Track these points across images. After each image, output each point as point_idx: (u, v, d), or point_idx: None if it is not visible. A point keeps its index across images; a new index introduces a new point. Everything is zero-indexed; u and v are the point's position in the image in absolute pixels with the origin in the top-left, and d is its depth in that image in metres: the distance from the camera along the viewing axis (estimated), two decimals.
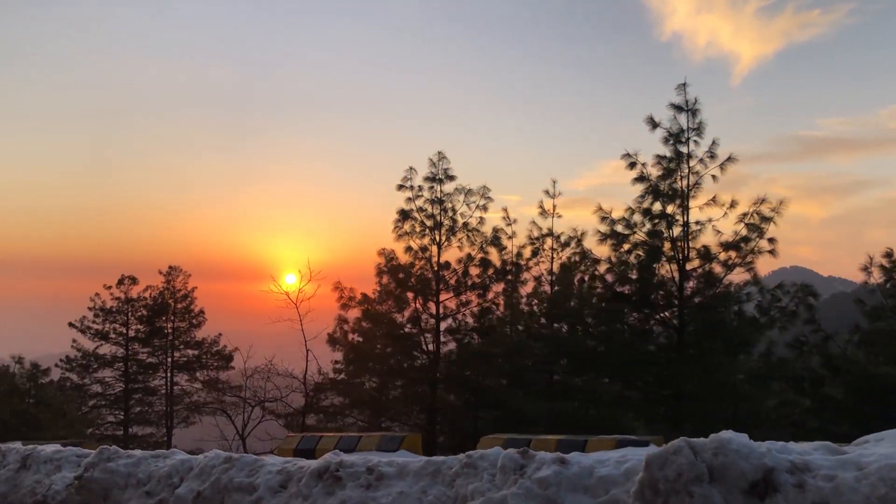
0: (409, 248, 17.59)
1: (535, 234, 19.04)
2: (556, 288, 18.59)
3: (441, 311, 17.54)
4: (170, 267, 35.44)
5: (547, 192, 20.06)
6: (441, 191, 18.00)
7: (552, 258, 18.94)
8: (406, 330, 18.29)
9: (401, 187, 17.77)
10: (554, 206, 19.86)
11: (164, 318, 35.02)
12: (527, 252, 18.72)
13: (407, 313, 17.87)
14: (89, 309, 35.32)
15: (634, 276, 13.65)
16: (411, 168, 18.46)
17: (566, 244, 18.89)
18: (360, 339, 20.82)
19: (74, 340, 35.28)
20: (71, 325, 35.03)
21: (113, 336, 35.38)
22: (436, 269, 17.21)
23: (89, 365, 35.15)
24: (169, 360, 35.02)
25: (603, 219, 14.06)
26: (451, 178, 17.98)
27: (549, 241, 18.91)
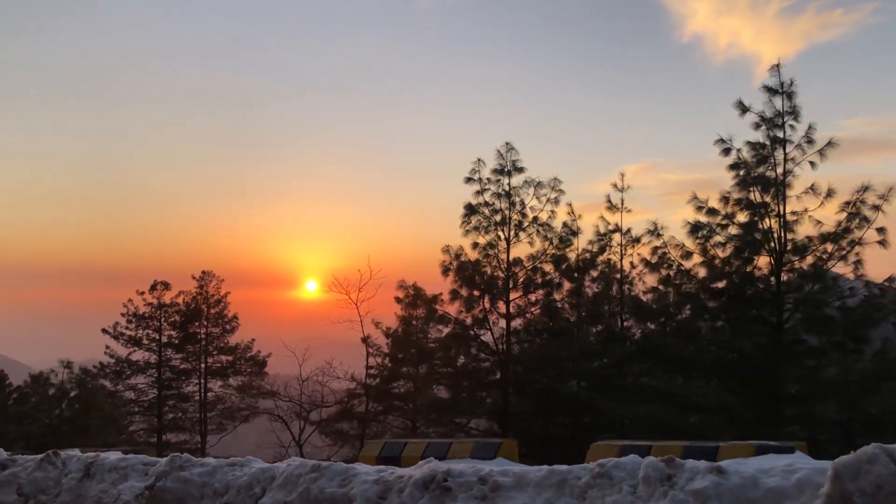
0: (475, 245, 16.93)
1: (603, 229, 18.16)
2: (627, 285, 17.79)
3: (511, 310, 16.81)
4: (203, 272, 35.25)
5: (615, 186, 18.98)
6: (509, 184, 17.33)
7: (621, 254, 18.10)
8: (473, 331, 17.39)
9: (469, 180, 17.12)
10: (622, 201, 18.65)
11: (197, 324, 34.81)
12: (593, 248, 17.80)
13: (475, 313, 17.12)
14: (122, 315, 35.20)
15: (729, 270, 12.87)
16: (479, 160, 17.66)
17: (636, 240, 18.05)
18: (425, 340, 20.02)
19: (108, 347, 35.17)
20: (104, 331, 34.92)
21: (146, 342, 35.21)
22: (505, 266, 16.50)
23: (122, 371, 35.00)
24: (202, 365, 34.76)
25: (699, 208, 13.34)
26: (520, 170, 17.39)
27: (616, 236, 18.05)
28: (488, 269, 16.53)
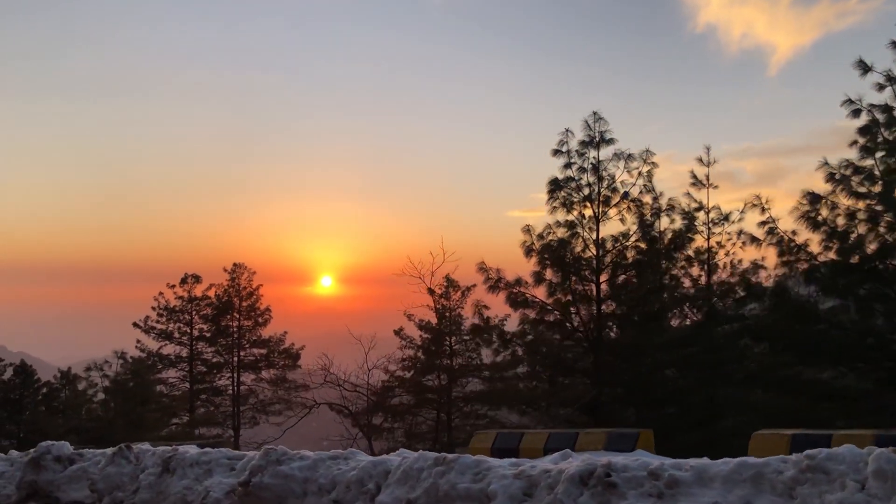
0: (558, 223, 15.94)
1: (687, 207, 17.05)
2: (715, 262, 16.75)
3: (601, 292, 15.79)
4: (234, 264, 34.71)
5: (700, 161, 17.73)
6: (597, 157, 16.14)
7: (708, 233, 17.08)
8: (559, 315, 16.08)
9: (556, 152, 16.14)
10: (707, 177, 17.58)
11: (229, 317, 34.31)
12: (676, 225, 16.70)
13: (561, 296, 16.00)
14: (153, 308, 34.79)
15: (860, 243, 11.89)
16: (567, 130, 16.43)
17: (726, 217, 16.95)
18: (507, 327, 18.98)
19: (138, 341, 34.79)
20: (135, 325, 34.52)
21: (177, 336, 34.78)
22: (594, 245, 15.54)
23: (154, 365, 34.57)
24: (235, 359, 34.26)
25: (830, 176, 12.41)
26: (609, 141, 16.16)
27: (701, 214, 16.91)
28: (575, 249, 15.52)
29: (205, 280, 34.76)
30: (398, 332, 35.22)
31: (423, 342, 34.77)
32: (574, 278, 15.04)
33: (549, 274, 15.25)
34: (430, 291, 35.80)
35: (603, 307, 14.99)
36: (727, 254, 16.90)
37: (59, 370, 42.07)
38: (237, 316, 34.46)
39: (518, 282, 15.74)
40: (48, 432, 40.40)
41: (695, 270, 16.55)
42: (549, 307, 15.45)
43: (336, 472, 6.44)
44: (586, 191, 15.28)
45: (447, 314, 35.19)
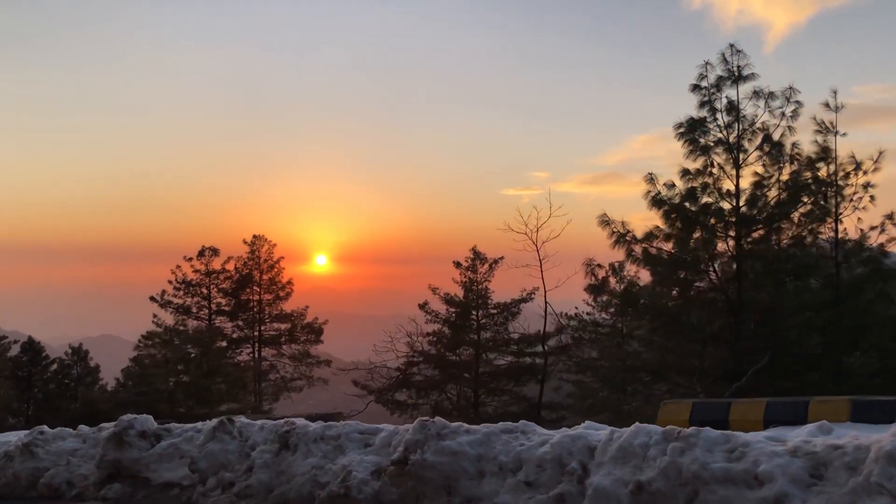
0: (686, 172, 14.46)
1: (813, 154, 15.37)
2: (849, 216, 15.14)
3: (740, 248, 14.33)
4: (254, 236, 33.46)
5: (826, 105, 15.84)
6: (736, 95, 14.61)
7: (835, 183, 15.26)
8: (690, 274, 14.32)
9: (695, 88, 14.69)
10: (833, 123, 15.55)
11: (249, 290, 33.14)
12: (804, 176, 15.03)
13: (692, 252, 14.45)
14: (169, 282, 33.57)
15: None
16: (707, 63, 14.94)
17: (857, 166, 15.26)
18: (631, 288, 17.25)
19: (155, 315, 33.62)
20: (152, 298, 33.32)
21: (195, 310, 33.64)
22: (731, 195, 14.11)
23: (171, 341, 33.46)
24: (255, 333, 33.11)
25: None
26: (748, 77, 14.44)
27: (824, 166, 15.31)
28: (710, 199, 14.14)
29: (224, 253, 33.60)
30: (423, 307, 34.22)
31: (448, 316, 33.84)
32: (708, 232, 13.68)
33: (674, 228, 13.86)
34: (457, 264, 34.82)
35: (741, 265, 13.66)
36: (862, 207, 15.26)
37: (70, 346, 41.04)
38: (258, 290, 33.30)
39: (650, 235, 14.23)
40: (60, 409, 39.41)
41: (840, 226, 15.00)
42: (680, 262, 13.98)
43: (519, 449, 5.37)
44: (723, 134, 13.92)
45: (474, 287, 34.23)
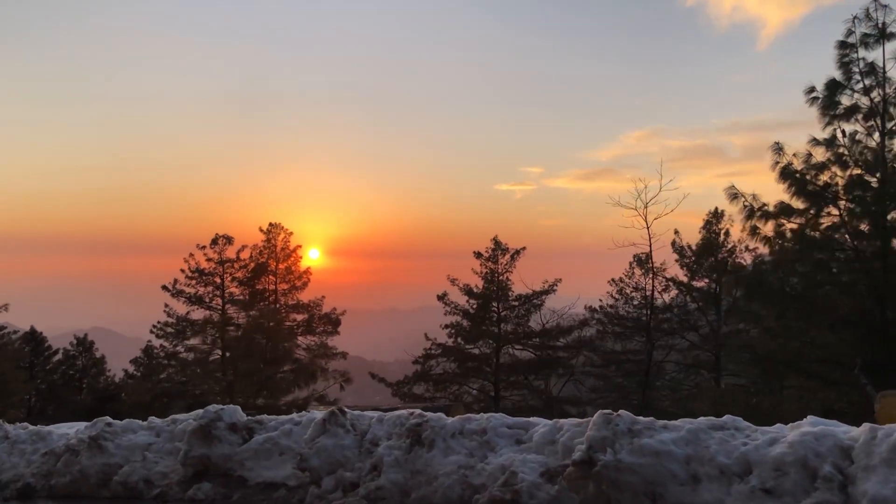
0: (823, 140, 13.38)
1: None
2: None
3: (887, 225, 13.20)
4: (270, 224, 32.45)
5: None
6: (883, 55, 13.45)
7: None
8: (826, 255, 13.05)
9: (842, 45, 13.59)
10: None
11: (264, 279, 32.13)
12: None
13: (827, 229, 13.27)
14: (181, 271, 32.54)
15: None
16: (855, 17, 13.81)
17: None
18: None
19: (166, 305, 32.60)
20: (164, 287, 32.27)
21: (207, 300, 32.60)
22: (878, 166, 13.02)
23: (183, 331, 32.44)
24: (272, 324, 32.07)
25: None
26: (892, 35, 13.30)
27: None
28: (851, 171, 13.09)
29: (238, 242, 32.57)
30: (442, 297, 33.37)
31: (469, 308, 32.95)
32: (851, 207, 12.65)
33: (808, 202, 12.76)
34: (477, 255, 33.91)
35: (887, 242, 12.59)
36: None
37: (76, 336, 39.92)
38: (273, 279, 32.31)
39: (786, 209, 13.10)
40: (64, 400, 38.27)
41: None
42: (814, 241, 12.87)
43: (744, 448, 4.47)
44: (866, 98, 12.87)
45: (495, 278, 33.37)
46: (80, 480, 7.14)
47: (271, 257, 32.11)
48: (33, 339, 39.04)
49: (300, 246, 32.86)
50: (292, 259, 32.20)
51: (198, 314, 32.83)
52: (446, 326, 34.03)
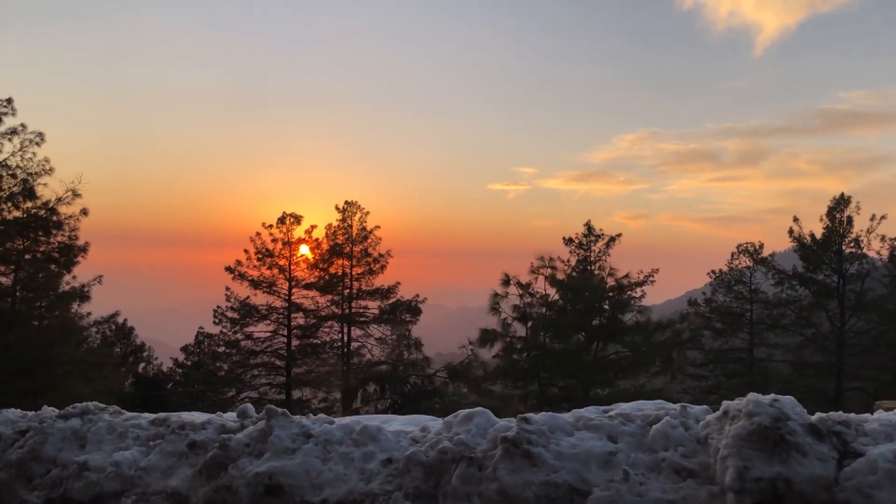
0: None
1: None
2: None
3: None
4: (346, 202, 29.67)
5: None
6: None
7: None
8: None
9: None
10: None
11: (337, 262, 29.37)
12: None
13: None
14: (244, 251, 29.67)
15: None
16: None
17: None
18: None
19: (228, 288, 29.79)
20: (227, 269, 29.44)
21: (265, 284, 29.63)
22: None
23: (246, 316, 29.62)
24: (344, 310, 29.29)
25: None
26: None
27: None
28: None
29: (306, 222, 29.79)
30: (525, 287, 30.91)
31: (558, 297, 30.54)
32: None
33: None
34: (567, 241, 31.43)
35: None
36: None
37: (115, 323, 37.03)
38: (347, 262, 29.59)
39: None
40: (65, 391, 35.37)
41: None
42: None
43: None
44: None
45: (587, 267, 30.97)
46: None
47: (346, 239, 29.36)
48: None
49: (379, 227, 30.08)
50: (370, 241, 29.40)
51: (259, 299, 30.03)
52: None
